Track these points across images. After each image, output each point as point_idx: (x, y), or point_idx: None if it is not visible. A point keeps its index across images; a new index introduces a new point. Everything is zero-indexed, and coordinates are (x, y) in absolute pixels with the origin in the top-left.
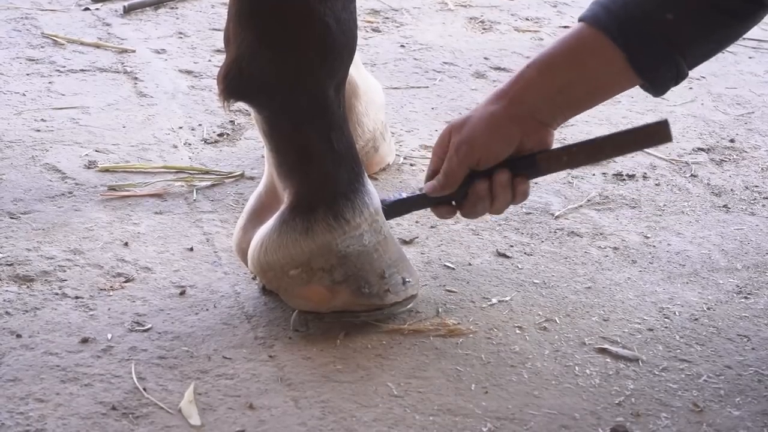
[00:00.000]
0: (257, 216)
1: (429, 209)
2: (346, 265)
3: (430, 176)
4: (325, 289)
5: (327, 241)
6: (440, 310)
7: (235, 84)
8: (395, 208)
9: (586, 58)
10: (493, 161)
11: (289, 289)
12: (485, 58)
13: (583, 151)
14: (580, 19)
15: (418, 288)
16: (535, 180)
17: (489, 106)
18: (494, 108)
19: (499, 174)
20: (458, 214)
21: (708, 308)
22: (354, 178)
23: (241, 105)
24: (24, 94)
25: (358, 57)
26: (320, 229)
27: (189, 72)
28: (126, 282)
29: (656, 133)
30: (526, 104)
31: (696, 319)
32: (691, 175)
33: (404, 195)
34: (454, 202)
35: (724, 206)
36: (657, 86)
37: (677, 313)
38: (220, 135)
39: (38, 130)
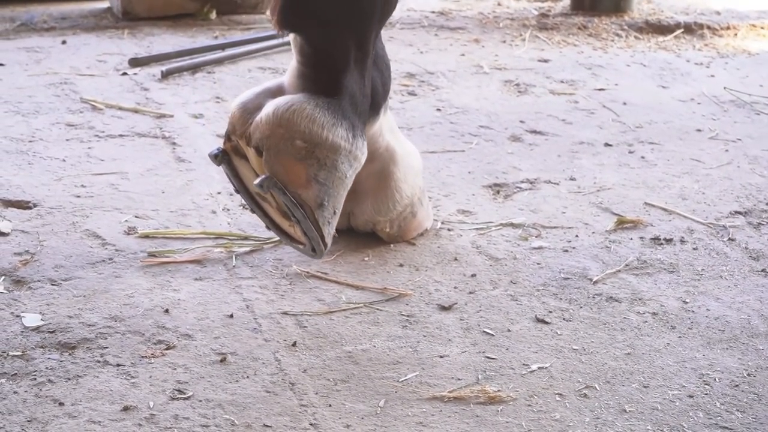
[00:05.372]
0: (272, 95)
1: None
2: (332, 175)
3: None
4: (306, 176)
5: (341, 145)
6: (480, 377)
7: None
8: None
9: None
10: None
11: (281, 153)
12: (521, 121)
13: None
14: None
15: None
16: (572, 245)
17: None
18: None
19: None
20: None
21: (748, 374)
22: (365, 122)
23: None
24: (64, 160)
25: (394, 122)
26: (342, 133)
27: None
28: (167, 349)
29: None
30: None
31: (736, 386)
32: (729, 239)
33: None
34: None
35: (763, 270)
36: None
37: (717, 380)
38: None
39: (78, 196)
